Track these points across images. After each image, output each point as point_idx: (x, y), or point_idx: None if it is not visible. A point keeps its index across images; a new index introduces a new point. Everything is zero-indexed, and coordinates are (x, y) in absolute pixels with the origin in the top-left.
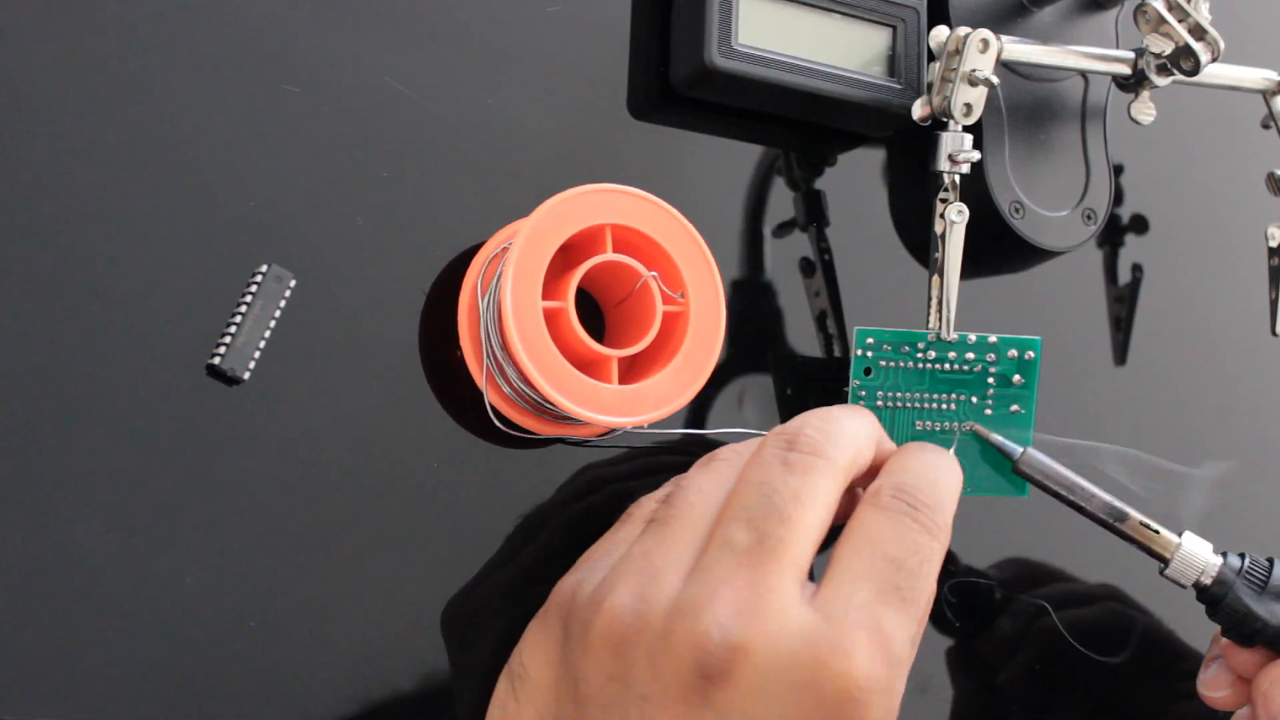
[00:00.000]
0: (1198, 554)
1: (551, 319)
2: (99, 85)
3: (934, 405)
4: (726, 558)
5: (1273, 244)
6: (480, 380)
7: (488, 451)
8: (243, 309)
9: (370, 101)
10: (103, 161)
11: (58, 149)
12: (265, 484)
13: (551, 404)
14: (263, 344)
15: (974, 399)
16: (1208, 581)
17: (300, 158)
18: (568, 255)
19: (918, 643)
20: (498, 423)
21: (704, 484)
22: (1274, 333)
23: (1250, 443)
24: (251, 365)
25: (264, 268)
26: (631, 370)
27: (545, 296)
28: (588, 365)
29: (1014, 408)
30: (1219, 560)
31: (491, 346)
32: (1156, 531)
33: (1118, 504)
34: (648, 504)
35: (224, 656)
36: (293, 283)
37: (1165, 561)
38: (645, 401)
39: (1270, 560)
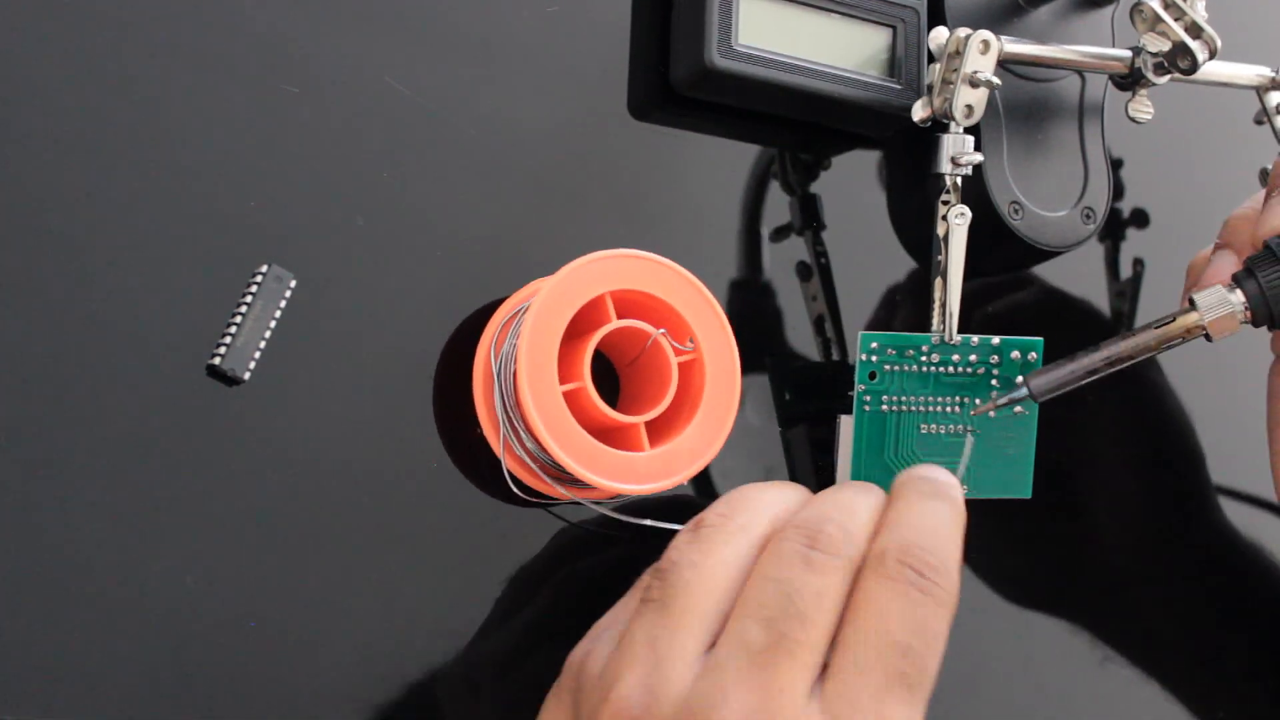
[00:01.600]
0: (1219, 301)
1: (571, 399)
2: (99, 85)
3: (938, 408)
4: (740, 657)
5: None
6: (499, 450)
7: (490, 454)
8: (243, 309)
9: (370, 101)
10: (103, 162)
11: (58, 149)
12: (265, 484)
13: (588, 484)
14: (263, 344)
15: (978, 401)
16: (1246, 315)
17: (300, 158)
18: (574, 324)
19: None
20: (519, 492)
21: (695, 557)
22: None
23: (1250, 440)
24: (251, 365)
25: (264, 268)
26: (656, 427)
27: (560, 372)
28: (612, 432)
29: (1017, 409)
30: (1238, 292)
31: (511, 422)
32: (1173, 319)
33: (1125, 340)
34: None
35: (224, 656)
36: (293, 283)
37: (1205, 334)
38: (680, 460)
39: (1266, 245)
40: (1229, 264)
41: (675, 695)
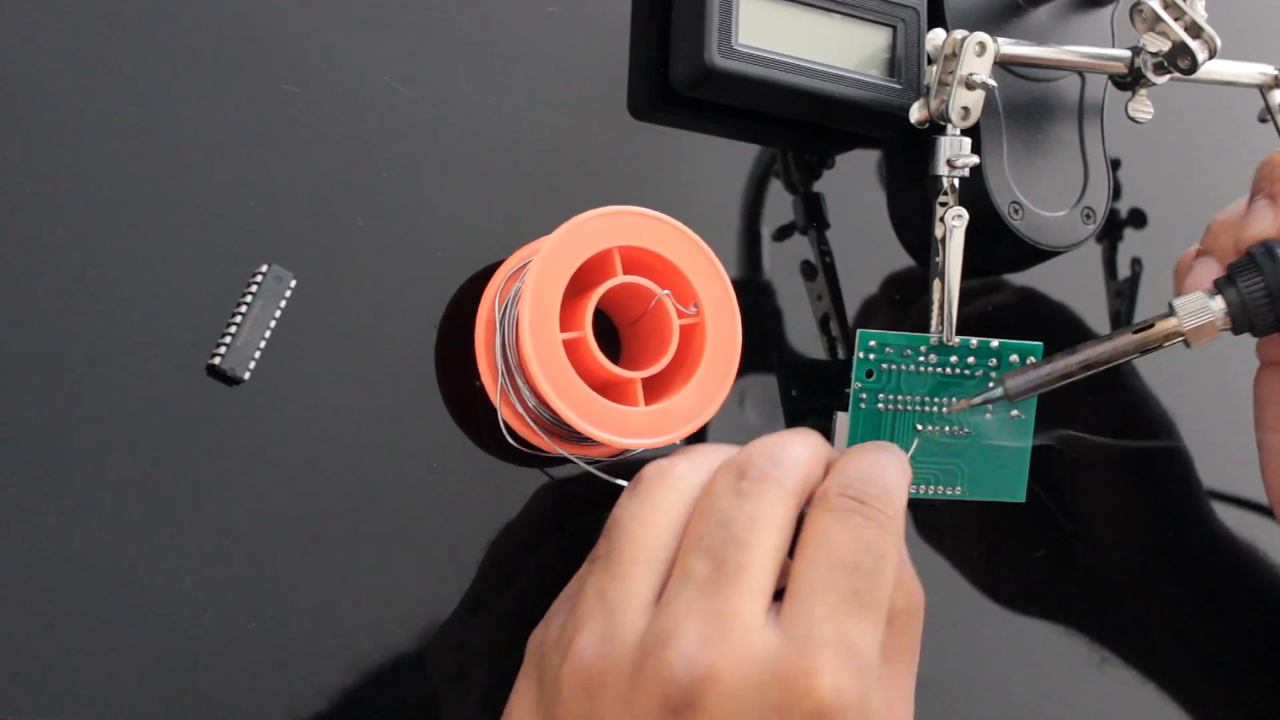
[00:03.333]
0: (1199, 308)
1: (571, 348)
2: (99, 85)
3: (935, 409)
4: (687, 589)
5: None
6: (495, 398)
7: (491, 457)
8: (243, 309)
9: (370, 101)
10: (103, 161)
11: (58, 149)
12: (265, 484)
13: (581, 434)
14: (263, 344)
15: (954, 400)
16: (1224, 323)
17: (300, 158)
18: (579, 279)
19: (918, 628)
20: (514, 442)
21: (637, 509)
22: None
23: (1250, 439)
24: (251, 365)
25: (264, 268)
26: (653, 386)
27: (562, 323)
28: (610, 388)
29: (1014, 413)
30: (1218, 299)
31: (510, 372)
32: (1151, 325)
33: (1103, 344)
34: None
35: (224, 656)
36: (293, 283)
37: (1185, 338)
38: (673, 419)
39: (1249, 253)
40: (1211, 270)
41: (630, 640)
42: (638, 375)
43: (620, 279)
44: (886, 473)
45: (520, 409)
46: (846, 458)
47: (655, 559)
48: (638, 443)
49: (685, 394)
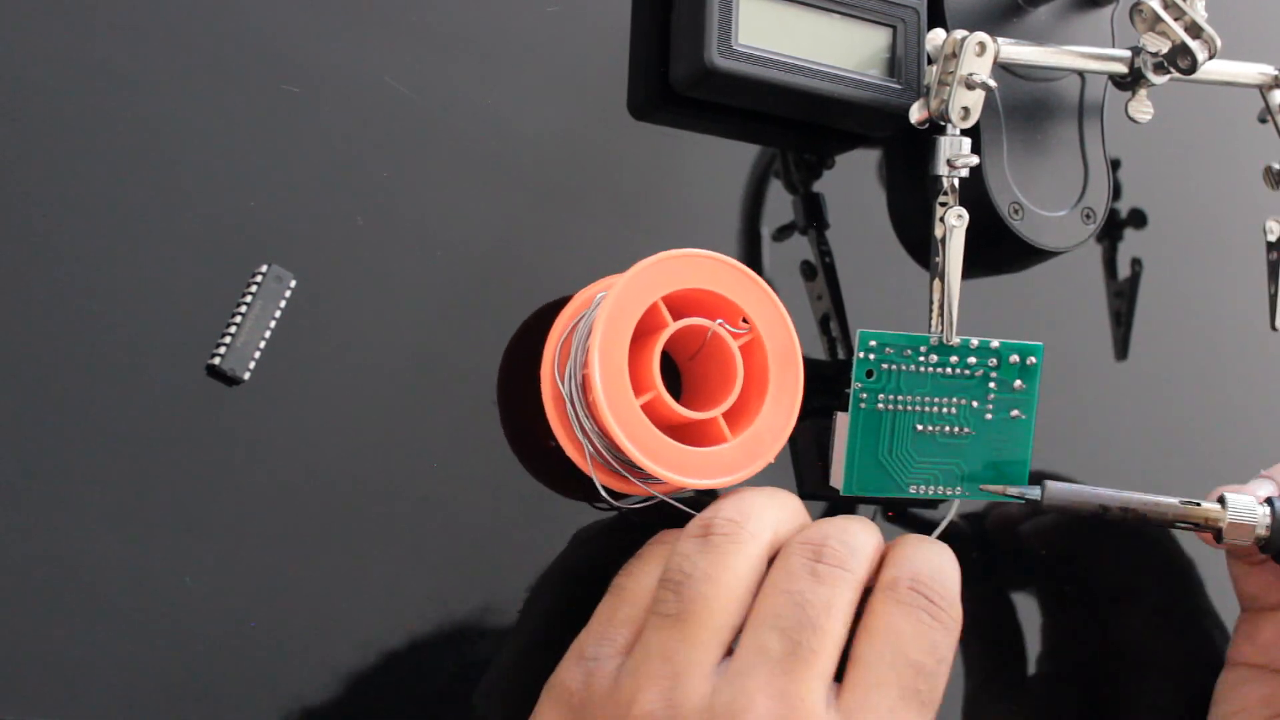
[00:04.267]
0: (1247, 509)
1: (648, 408)
2: (99, 85)
3: (935, 409)
4: (760, 665)
5: (1271, 238)
6: (588, 469)
7: (491, 456)
8: (243, 309)
9: (370, 101)
10: (103, 161)
11: (58, 149)
12: (265, 484)
13: (681, 487)
14: (263, 344)
15: (975, 403)
16: (1264, 532)
17: (301, 158)
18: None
19: None
20: (609, 499)
21: (711, 570)
22: (1273, 327)
23: (1250, 437)
24: (251, 365)
25: (264, 268)
26: (731, 415)
27: (631, 383)
28: (689, 426)
29: (1014, 413)
30: (1266, 510)
31: (589, 435)
32: (1198, 504)
33: (1152, 498)
34: (641, 577)
35: (224, 656)
36: (293, 283)
37: (1218, 531)
38: (763, 442)
39: None
40: (1266, 489)
41: (696, 706)
42: (718, 413)
43: (674, 326)
44: (949, 575)
45: (612, 466)
46: (908, 549)
47: (725, 626)
48: (738, 477)
49: (766, 414)
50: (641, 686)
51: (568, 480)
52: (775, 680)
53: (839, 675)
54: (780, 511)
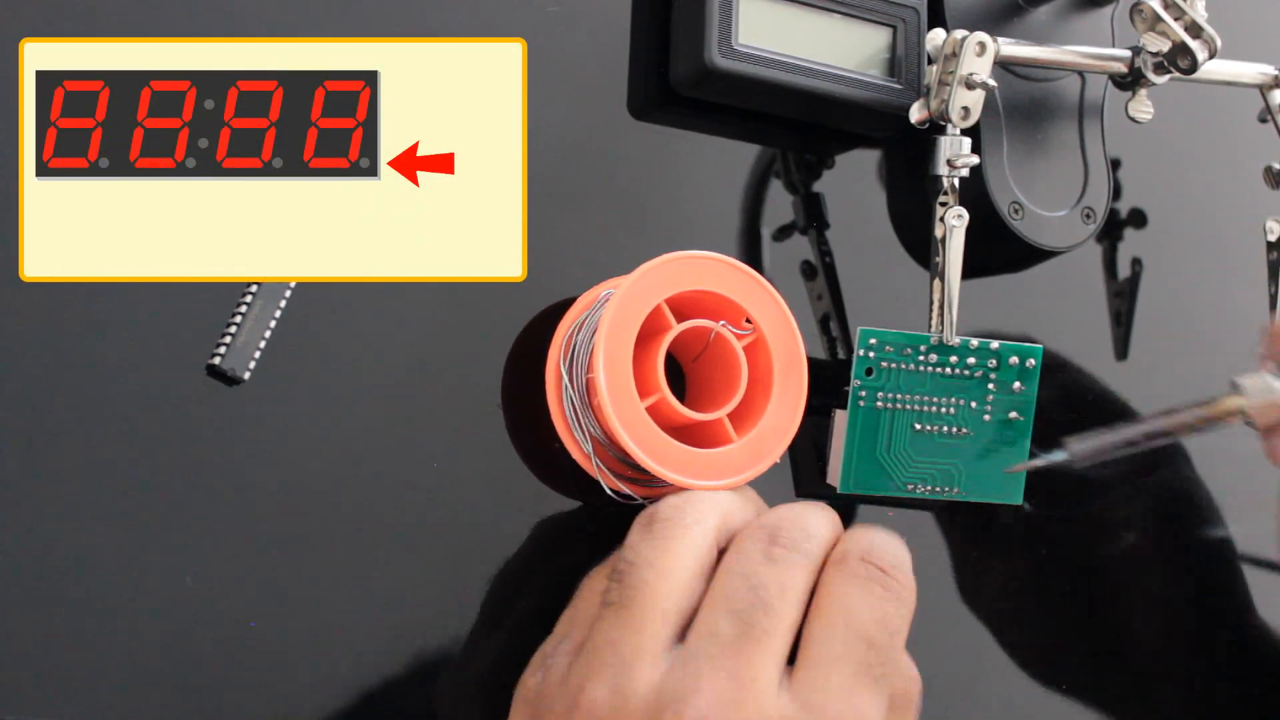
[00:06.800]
0: (1264, 388)
1: (653, 410)
2: None
3: (934, 409)
4: (711, 647)
5: (1271, 238)
6: (592, 470)
7: (494, 457)
8: (243, 309)
9: None
10: None
11: None
12: (265, 484)
13: (687, 488)
14: (263, 344)
15: (974, 404)
16: None
17: None
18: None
19: (914, 715)
20: (617, 498)
21: (653, 557)
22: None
23: (1250, 437)
24: (251, 365)
25: None
26: (735, 415)
27: (635, 382)
28: (694, 430)
29: (1012, 414)
30: None
31: (593, 438)
32: (1216, 400)
33: (1165, 418)
34: (597, 580)
35: (224, 656)
36: (293, 283)
37: (1245, 415)
38: (768, 442)
39: None
40: (1270, 369)
41: (645, 692)
42: (723, 414)
43: (679, 328)
44: (901, 550)
45: (616, 466)
46: (862, 529)
47: (672, 610)
48: (744, 477)
49: (771, 414)
50: (589, 676)
51: (572, 480)
52: (726, 662)
53: (793, 659)
54: (732, 500)
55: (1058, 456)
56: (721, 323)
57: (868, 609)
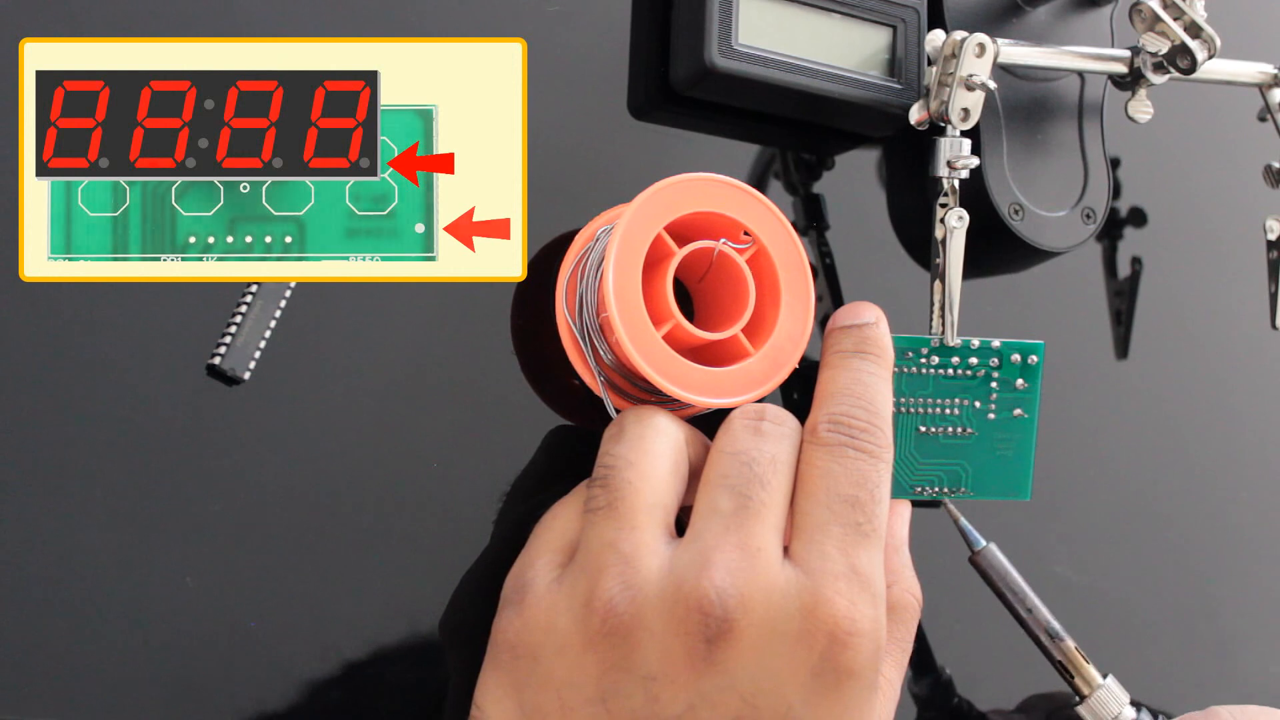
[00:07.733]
0: (1114, 700)
1: (669, 338)
2: None
3: (938, 410)
4: (715, 523)
5: (1271, 236)
6: (599, 389)
7: (491, 455)
8: (243, 309)
9: None
10: None
11: None
12: (265, 484)
13: (721, 409)
14: (263, 344)
15: (977, 403)
16: None
17: None
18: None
19: (913, 624)
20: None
21: (630, 455)
22: (1274, 326)
23: (1250, 438)
24: (251, 365)
25: None
26: (749, 328)
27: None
28: (710, 350)
29: (1017, 412)
30: (1133, 713)
31: (607, 367)
32: (1087, 662)
33: (1057, 625)
34: (551, 520)
35: (224, 656)
36: (293, 283)
37: (1082, 697)
38: (785, 350)
39: None
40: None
41: (658, 579)
42: (737, 330)
43: (682, 252)
44: (870, 394)
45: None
46: (831, 382)
47: (659, 505)
48: (768, 388)
49: (783, 323)
50: (596, 580)
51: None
52: (731, 535)
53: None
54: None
55: (976, 540)
56: (722, 240)
57: (844, 472)
